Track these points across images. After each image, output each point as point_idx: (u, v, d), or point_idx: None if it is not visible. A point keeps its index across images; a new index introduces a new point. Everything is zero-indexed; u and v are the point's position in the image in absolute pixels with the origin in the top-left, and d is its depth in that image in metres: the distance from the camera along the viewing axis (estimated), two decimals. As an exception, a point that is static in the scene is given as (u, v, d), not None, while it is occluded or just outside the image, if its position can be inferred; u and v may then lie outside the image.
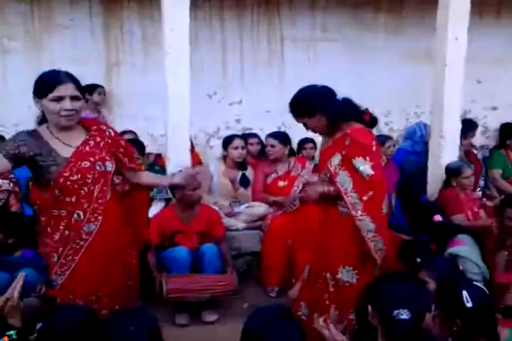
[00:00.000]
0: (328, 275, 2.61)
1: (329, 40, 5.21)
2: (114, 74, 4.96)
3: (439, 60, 4.12)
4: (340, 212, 2.55)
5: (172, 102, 3.73)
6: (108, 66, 4.92)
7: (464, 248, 3.06)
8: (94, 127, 2.34)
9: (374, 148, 2.46)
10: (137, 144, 3.76)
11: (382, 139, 4.25)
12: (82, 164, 2.24)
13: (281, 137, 4.06)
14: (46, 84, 2.20)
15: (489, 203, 4.15)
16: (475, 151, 4.74)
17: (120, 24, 4.89)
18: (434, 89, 4.20)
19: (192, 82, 3.80)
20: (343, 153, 2.47)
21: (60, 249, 2.30)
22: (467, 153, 4.54)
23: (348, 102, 2.56)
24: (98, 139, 2.31)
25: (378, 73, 4.98)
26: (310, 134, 4.71)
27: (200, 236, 3.47)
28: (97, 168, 2.28)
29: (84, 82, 4.53)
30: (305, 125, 2.61)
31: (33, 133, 2.25)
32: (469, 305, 1.87)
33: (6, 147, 2.19)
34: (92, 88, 4.65)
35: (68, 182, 2.22)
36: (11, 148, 2.17)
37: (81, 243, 2.30)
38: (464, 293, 1.88)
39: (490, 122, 5.63)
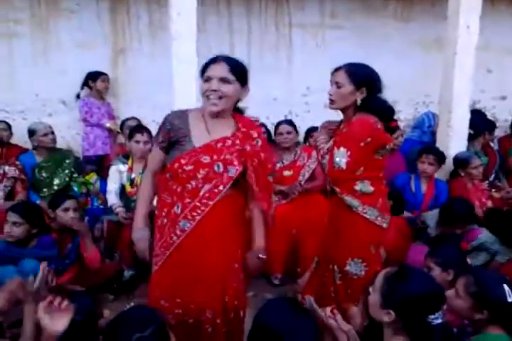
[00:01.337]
0: (335, 267, 2.59)
1: (338, 26, 5.15)
2: (120, 60, 4.93)
3: (449, 48, 4.06)
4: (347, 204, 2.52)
5: (178, 88, 3.70)
6: (114, 51, 4.89)
7: (484, 234, 3.13)
8: (244, 129, 2.11)
9: (362, 144, 2.38)
10: (144, 130, 3.72)
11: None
12: (202, 158, 2.05)
13: (294, 124, 4.06)
14: (204, 64, 2.09)
15: (496, 194, 4.12)
16: (491, 143, 4.70)
17: (127, 8, 4.84)
18: (444, 78, 4.15)
19: (199, 68, 3.76)
20: (335, 140, 2.47)
21: (158, 236, 2.15)
22: (483, 145, 4.50)
23: (386, 102, 2.53)
24: (237, 142, 2.08)
25: (387, 61, 4.88)
26: (318, 123, 4.76)
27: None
28: (215, 167, 2.06)
29: (91, 67, 4.64)
30: (336, 85, 2.45)
31: (181, 114, 2.13)
32: (510, 300, 1.88)
33: (158, 137, 2.13)
34: (96, 75, 4.63)
35: (180, 170, 2.06)
36: (163, 139, 2.11)
37: (174, 238, 2.10)
38: (506, 288, 1.90)
39: (499, 112, 5.57)
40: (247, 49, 5.08)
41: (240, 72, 2.07)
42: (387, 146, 2.48)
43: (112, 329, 1.67)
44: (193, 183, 2.06)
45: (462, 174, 3.95)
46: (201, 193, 2.06)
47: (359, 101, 2.44)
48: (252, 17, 5.05)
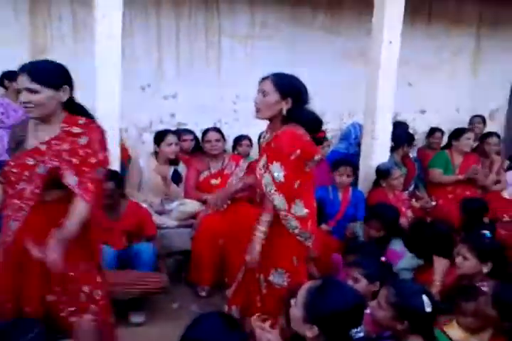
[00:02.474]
0: (261, 276, 2.56)
1: (267, 36, 5.17)
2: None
3: (373, 61, 4.20)
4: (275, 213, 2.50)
5: (101, 92, 3.55)
6: (34, 50, 4.60)
7: (404, 261, 3.17)
8: (66, 128, 2.11)
9: (292, 157, 2.39)
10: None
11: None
12: (27, 160, 2.09)
13: (221, 132, 4.06)
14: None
15: (416, 204, 4.30)
16: (410, 155, 4.92)
17: (47, 6, 4.57)
18: (368, 90, 4.27)
19: (124, 73, 3.63)
20: (267, 155, 2.46)
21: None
22: (403, 157, 4.69)
23: (314, 113, 2.54)
24: (59, 142, 2.10)
25: (315, 72, 4.95)
26: (246, 131, 4.76)
27: (128, 236, 3.33)
28: (37, 169, 2.08)
29: (7, 67, 4.33)
30: (262, 93, 2.44)
31: (22, 122, 2.24)
32: (429, 309, 1.90)
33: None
34: (13, 75, 4.30)
35: (9, 173, 2.12)
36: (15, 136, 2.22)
37: (7, 238, 2.16)
38: (425, 298, 1.92)
39: (418, 125, 5.84)
40: (176, 55, 4.98)
41: (45, 77, 2.07)
42: (315, 158, 2.50)
43: None
44: (20, 185, 2.10)
45: (383, 184, 4.08)
46: (26, 194, 2.10)
47: (284, 112, 2.44)
48: (181, 20, 4.94)
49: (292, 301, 1.87)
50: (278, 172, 2.39)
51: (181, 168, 4.01)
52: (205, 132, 4.10)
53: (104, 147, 2.12)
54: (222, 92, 5.09)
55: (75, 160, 2.05)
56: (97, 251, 2.30)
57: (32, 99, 2.04)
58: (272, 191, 2.41)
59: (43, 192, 2.10)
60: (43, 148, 2.09)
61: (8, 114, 4.27)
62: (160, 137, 3.92)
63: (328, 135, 5.09)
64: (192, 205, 3.78)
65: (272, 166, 2.39)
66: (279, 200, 2.41)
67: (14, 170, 2.10)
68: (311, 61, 5.09)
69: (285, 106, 2.43)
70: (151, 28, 4.86)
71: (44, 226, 2.08)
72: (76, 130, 2.09)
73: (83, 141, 2.07)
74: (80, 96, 4.16)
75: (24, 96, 2.05)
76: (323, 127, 5.14)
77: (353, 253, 3.06)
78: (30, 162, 2.09)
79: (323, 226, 3.70)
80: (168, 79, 4.96)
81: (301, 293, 1.84)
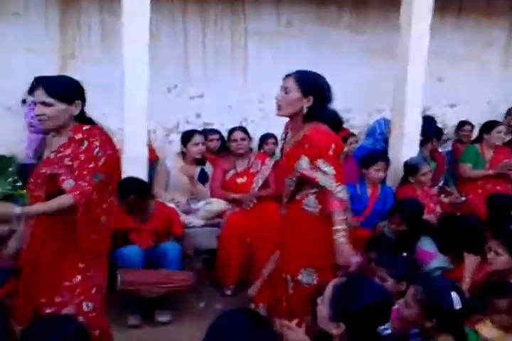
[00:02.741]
0: (288, 276, 2.55)
1: (293, 35, 5.16)
2: (70, 66, 4.76)
3: (402, 57, 4.14)
4: (306, 212, 2.50)
5: (129, 95, 3.62)
6: (64, 57, 4.72)
7: (436, 261, 3.07)
8: (71, 135, 2.17)
9: (331, 152, 2.40)
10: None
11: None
12: (41, 170, 2.19)
13: (247, 131, 4.07)
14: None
15: (445, 199, 4.20)
16: (439, 149, 4.81)
17: (77, 14, 4.69)
18: (396, 85, 4.22)
19: (152, 76, 3.69)
20: (307, 156, 2.44)
21: None
22: (431, 151, 4.59)
23: (335, 112, 2.54)
24: (63, 149, 2.17)
25: (341, 70, 4.96)
26: (272, 130, 4.76)
27: (156, 235, 3.38)
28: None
29: (38, 72, 4.46)
30: (284, 90, 2.44)
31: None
32: (458, 307, 1.86)
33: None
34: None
35: (30, 184, 2.22)
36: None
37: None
38: (454, 296, 1.88)
39: (448, 119, 5.72)
40: (202, 57, 5.03)
41: (59, 92, 2.14)
42: (344, 151, 2.53)
43: (28, 336, 1.65)
44: (35, 192, 2.17)
45: (412, 181, 4.00)
46: (38, 202, 2.14)
47: (305, 110, 2.43)
48: (207, 25, 5.00)
49: (319, 299, 1.86)
50: (326, 167, 2.38)
51: (208, 167, 4.04)
52: (231, 131, 4.12)
53: (105, 153, 2.12)
54: (248, 92, 5.11)
55: (74, 165, 2.09)
56: (98, 259, 2.24)
57: (46, 111, 2.12)
58: (334, 185, 2.38)
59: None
60: (52, 156, 2.18)
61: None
62: (186, 137, 3.97)
63: (355, 131, 5.06)
64: (218, 204, 3.80)
65: (317, 164, 2.39)
66: (343, 192, 2.40)
67: (32, 180, 2.20)
68: (336, 60, 5.07)
69: (306, 104, 2.42)
70: (177, 31, 4.90)
71: (44, 237, 2.16)
72: (78, 136, 2.14)
73: (84, 146, 2.12)
74: (108, 101, 4.33)
75: (38, 109, 2.14)
76: (347, 124, 5.19)
77: (373, 250, 3.02)
78: (43, 170, 2.17)
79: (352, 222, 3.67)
80: (194, 80, 5.01)
81: (328, 290, 1.82)
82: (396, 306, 2.09)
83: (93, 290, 2.19)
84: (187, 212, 3.75)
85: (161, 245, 3.34)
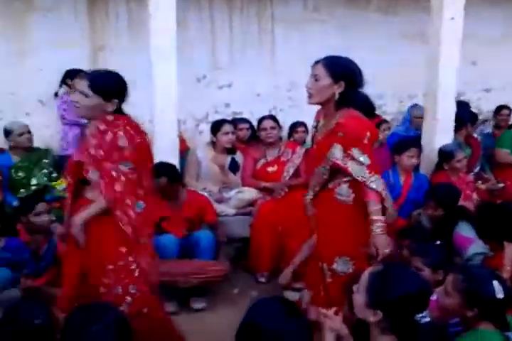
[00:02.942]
0: (324, 265, 2.53)
1: (321, 20, 5.09)
2: (99, 58, 4.81)
3: (434, 40, 4.02)
4: (338, 201, 2.46)
5: (159, 86, 3.63)
6: (93, 49, 4.78)
7: (475, 246, 2.98)
8: (97, 126, 2.27)
9: (366, 140, 2.36)
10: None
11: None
12: (73, 158, 2.31)
13: (277, 120, 4.04)
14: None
15: (482, 186, 4.10)
16: (475, 135, 4.69)
17: (105, 6, 4.72)
18: (429, 70, 4.11)
19: (180, 66, 3.69)
20: (340, 144, 2.39)
21: None
22: (466, 137, 4.48)
23: (367, 97, 2.49)
24: (91, 139, 2.27)
25: (370, 54, 4.84)
26: (302, 118, 4.72)
27: (190, 223, 3.40)
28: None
29: (69, 66, 4.53)
30: (314, 77, 2.38)
31: None
32: (500, 296, 1.83)
33: None
34: (74, 73, 4.51)
35: (67, 172, 2.38)
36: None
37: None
38: (495, 284, 1.84)
39: (484, 104, 5.55)
40: (229, 44, 5.01)
41: (100, 87, 2.23)
42: (379, 138, 2.47)
43: (71, 324, 1.68)
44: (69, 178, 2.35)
45: (446, 168, 3.91)
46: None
47: (337, 96, 2.37)
48: (233, 12, 4.97)
49: (354, 287, 1.84)
50: (361, 155, 2.34)
51: (238, 156, 4.04)
52: (261, 120, 4.10)
53: (132, 142, 2.19)
54: (276, 80, 5.07)
55: (99, 155, 2.19)
56: (142, 244, 2.32)
57: (81, 101, 2.23)
58: (367, 175, 2.35)
59: (82, 188, 2.29)
60: (82, 145, 2.31)
61: (69, 110, 4.47)
62: (216, 127, 3.97)
63: (387, 117, 4.97)
64: (250, 193, 3.81)
65: (352, 153, 2.35)
66: (377, 182, 2.36)
67: (67, 168, 2.36)
68: (366, 44, 4.96)
69: (337, 90, 2.36)
70: (204, 20, 4.90)
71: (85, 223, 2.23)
72: (103, 127, 2.22)
73: (108, 137, 2.19)
74: (138, 91, 4.35)
75: (76, 96, 2.25)
76: (379, 110, 5.08)
77: (408, 238, 2.96)
78: (74, 158, 2.31)
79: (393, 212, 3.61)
80: (222, 70, 5.00)
81: (364, 278, 1.80)
82: (434, 296, 2.05)
83: (136, 273, 2.28)
84: (219, 201, 3.77)
85: (194, 233, 3.37)
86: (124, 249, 2.25)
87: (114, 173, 2.17)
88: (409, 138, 4.32)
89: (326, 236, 2.51)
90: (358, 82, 2.40)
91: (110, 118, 2.23)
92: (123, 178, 2.18)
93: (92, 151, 2.19)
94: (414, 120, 4.81)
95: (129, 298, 2.25)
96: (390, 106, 5.29)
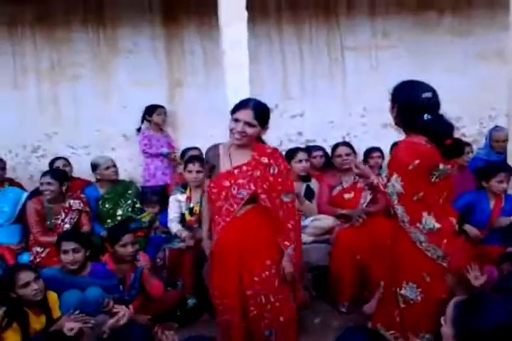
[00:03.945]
0: (398, 290, 2.50)
1: (391, 46, 5.07)
2: (177, 94, 5.07)
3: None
4: (400, 224, 2.45)
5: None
6: (171, 86, 5.05)
7: None
8: (257, 157, 2.53)
9: (410, 167, 2.30)
10: (195, 159, 3.80)
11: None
12: (223, 182, 2.52)
13: (351, 146, 4.04)
14: (234, 106, 2.57)
15: None
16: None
17: (181, 45, 5.01)
18: (510, 90, 3.94)
19: (252, 97, 3.79)
20: (389, 165, 2.50)
21: None
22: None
23: (440, 118, 2.39)
24: (249, 168, 2.52)
25: (446, 77, 4.74)
26: (377, 143, 4.66)
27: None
28: (232, 190, 2.52)
29: (150, 102, 4.82)
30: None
31: (214, 147, 2.65)
32: None
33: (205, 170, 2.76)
34: (152, 109, 4.80)
35: (210, 193, 2.59)
36: (206, 170, 2.71)
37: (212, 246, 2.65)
38: None
39: None
40: (300, 75, 5.10)
41: (262, 117, 2.52)
42: (440, 167, 2.36)
43: None
44: (218, 203, 2.54)
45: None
46: (223, 210, 2.54)
47: (393, 120, 2.45)
48: (303, 43, 5.08)
49: (442, 319, 1.76)
50: (397, 183, 2.35)
51: (313, 184, 4.04)
52: (335, 147, 4.09)
53: (289, 174, 2.58)
54: (349, 106, 5.08)
55: (265, 186, 2.48)
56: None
57: (247, 131, 2.47)
58: (396, 202, 2.38)
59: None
60: (236, 172, 2.52)
61: (151, 144, 4.73)
62: (290, 155, 4.00)
63: (467, 140, 4.78)
64: (326, 221, 3.77)
65: (392, 178, 2.37)
66: (401, 212, 2.39)
67: (214, 190, 2.54)
68: (440, 66, 4.90)
69: (392, 114, 2.45)
70: (275, 53, 5.05)
71: (236, 236, 2.53)
72: (265, 160, 2.51)
73: (273, 170, 2.50)
74: (215, 124, 4.52)
75: (241, 127, 2.46)
76: (461, 132, 4.88)
77: (508, 261, 2.79)
78: (226, 183, 2.51)
79: (474, 231, 3.51)
80: (294, 99, 5.09)
81: (449, 309, 1.72)
82: None
83: (275, 283, 2.56)
84: (296, 229, 3.77)
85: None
86: (269, 262, 2.56)
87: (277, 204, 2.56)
88: (495, 164, 4.15)
89: (396, 261, 2.50)
90: (419, 105, 2.33)
91: (269, 150, 2.58)
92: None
93: (259, 182, 2.51)
94: (494, 144, 4.61)
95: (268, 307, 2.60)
96: (469, 129, 5.10)
